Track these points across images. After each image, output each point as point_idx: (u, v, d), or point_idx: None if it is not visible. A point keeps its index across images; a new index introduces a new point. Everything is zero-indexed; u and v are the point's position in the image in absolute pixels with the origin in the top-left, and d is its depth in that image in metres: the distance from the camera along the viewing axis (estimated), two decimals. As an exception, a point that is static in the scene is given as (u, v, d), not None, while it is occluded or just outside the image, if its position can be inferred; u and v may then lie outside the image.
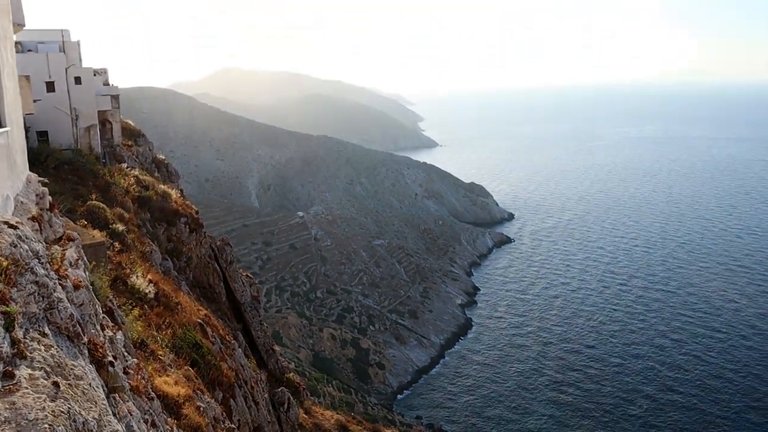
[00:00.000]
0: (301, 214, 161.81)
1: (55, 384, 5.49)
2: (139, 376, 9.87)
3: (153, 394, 10.62)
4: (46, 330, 6.23)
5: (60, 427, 4.98)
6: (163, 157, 53.98)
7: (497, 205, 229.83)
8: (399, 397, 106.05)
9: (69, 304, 6.95)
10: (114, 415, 6.79)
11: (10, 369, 5.30)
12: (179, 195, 40.14)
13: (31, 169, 11.79)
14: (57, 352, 6.00)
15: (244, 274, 45.05)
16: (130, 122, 52.31)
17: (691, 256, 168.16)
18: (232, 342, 26.41)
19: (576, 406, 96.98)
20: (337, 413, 47.18)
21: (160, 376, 13.57)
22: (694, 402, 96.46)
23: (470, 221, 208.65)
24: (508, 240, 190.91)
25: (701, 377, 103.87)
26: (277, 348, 45.49)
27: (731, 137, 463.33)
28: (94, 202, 23.37)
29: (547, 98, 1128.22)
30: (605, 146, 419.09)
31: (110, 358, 7.67)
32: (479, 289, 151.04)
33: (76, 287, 7.96)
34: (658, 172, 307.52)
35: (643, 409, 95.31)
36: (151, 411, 9.71)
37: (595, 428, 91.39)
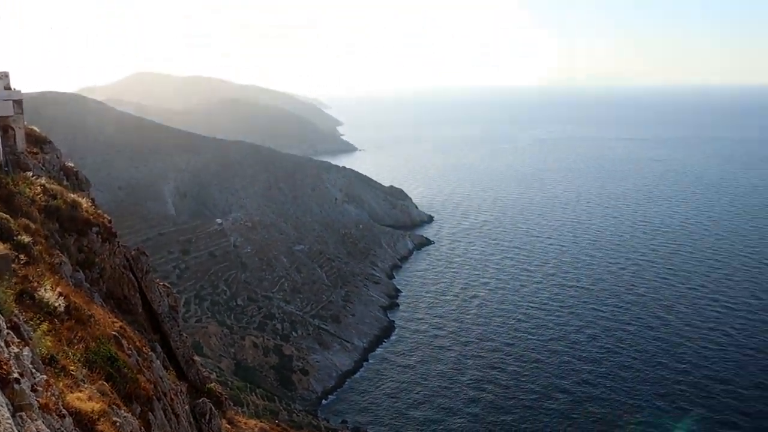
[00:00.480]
0: (219, 221, 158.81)
1: (-45, 404, 5.18)
2: (49, 393, 9.44)
3: (64, 411, 10.17)
4: (-56, 348, 5.87)
5: (-39, 450, 4.71)
6: (72, 165, 51.61)
7: (416, 207, 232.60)
8: (324, 402, 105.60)
9: (-31, 320, 6.58)
10: (21, 434, 6.47)
11: None
12: (90, 204, 38.52)
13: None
14: (-44, 370, 5.67)
15: (161, 283, 43.74)
16: (35, 128, 49.87)
17: (602, 252, 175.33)
18: (150, 354, 25.61)
19: (497, 403, 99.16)
20: (261, 421, 46.49)
21: (72, 392, 12.99)
22: (608, 393, 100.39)
23: (390, 224, 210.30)
24: (427, 242, 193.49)
25: (613, 369, 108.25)
26: (197, 358, 44.39)
27: (633, 138, 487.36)
28: (-4, 212, 22.17)
29: (464, 99, 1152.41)
30: (518, 148, 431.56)
31: (16, 375, 7.30)
32: (401, 291, 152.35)
33: (-23, 302, 7.54)
34: (567, 172, 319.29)
35: (560, 402, 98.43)
36: (62, 429, 9.30)
37: (517, 423, 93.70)
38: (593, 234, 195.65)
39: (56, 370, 13.52)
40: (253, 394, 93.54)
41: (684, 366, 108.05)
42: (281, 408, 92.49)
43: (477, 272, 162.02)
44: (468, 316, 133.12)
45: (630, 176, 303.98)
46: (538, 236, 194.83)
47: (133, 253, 39.68)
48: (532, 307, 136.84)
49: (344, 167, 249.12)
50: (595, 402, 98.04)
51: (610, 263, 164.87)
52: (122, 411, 15.15)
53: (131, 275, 36.83)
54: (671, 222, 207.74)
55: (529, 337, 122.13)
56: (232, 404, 46.78)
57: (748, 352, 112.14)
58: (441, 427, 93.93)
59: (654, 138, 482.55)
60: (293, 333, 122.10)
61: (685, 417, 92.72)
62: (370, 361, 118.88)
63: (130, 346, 22.21)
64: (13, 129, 40.46)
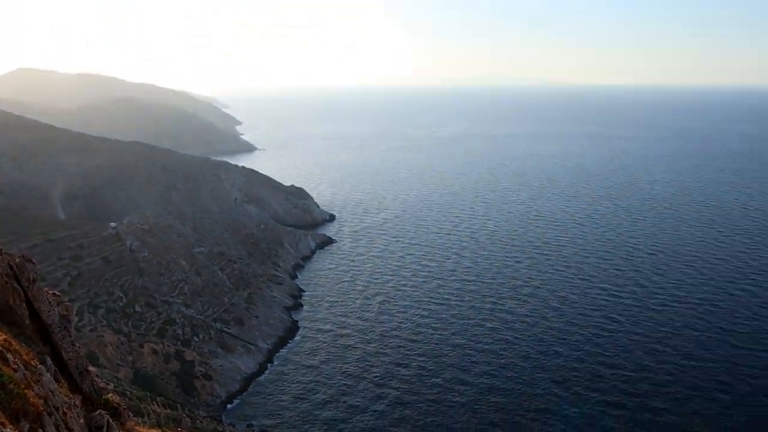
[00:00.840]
0: (113, 224, 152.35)
1: None
2: (-74, 415, 8.88)
3: (-56, 434, 9.60)
4: None
5: None
6: (-53, 169, 48.35)
7: (318, 206, 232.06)
8: (229, 407, 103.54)
9: None
10: None
11: None
12: (-32, 210, 36.23)
13: None
14: None
15: (51, 292, 41.60)
16: None
17: (499, 247, 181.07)
18: (39, 367, 24.37)
19: (402, 398, 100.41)
20: (163, 430, 45.16)
21: (-48, 412, 12.25)
22: (508, 383, 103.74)
23: (292, 224, 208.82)
24: (330, 241, 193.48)
25: (513, 360, 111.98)
26: (92, 369, 42.50)
27: (528, 134, 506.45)
28: None
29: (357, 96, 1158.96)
30: (416, 146, 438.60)
31: None
32: (304, 291, 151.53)
33: None
34: (463, 168, 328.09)
35: (463, 394, 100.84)
36: (-58, 452, 8.77)
37: (422, 417, 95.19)
38: (491, 229, 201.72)
39: (-66, 390, 12.74)
40: (154, 402, 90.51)
41: (578, 353, 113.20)
42: (184, 415, 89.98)
43: (379, 270, 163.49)
44: (371, 314, 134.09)
45: (527, 172, 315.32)
46: (438, 233, 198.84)
47: (17, 260, 37.50)
48: (433, 302, 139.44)
49: (243, 167, 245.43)
50: (496, 392, 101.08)
51: (507, 257, 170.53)
52: (8, 429, 14.43)
53: (16, 284, 34.82)
54: (562, 216, 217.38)
55: (432, 332, 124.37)
56: (131, 415, 45.08)
57: (633, 337, 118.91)
58: (348, 425, 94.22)
59: (534, 134, 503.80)
60: (195, 338, 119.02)
61: None
62: (275, 363, 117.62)
63: (17, 360, 21.09)
64: None
